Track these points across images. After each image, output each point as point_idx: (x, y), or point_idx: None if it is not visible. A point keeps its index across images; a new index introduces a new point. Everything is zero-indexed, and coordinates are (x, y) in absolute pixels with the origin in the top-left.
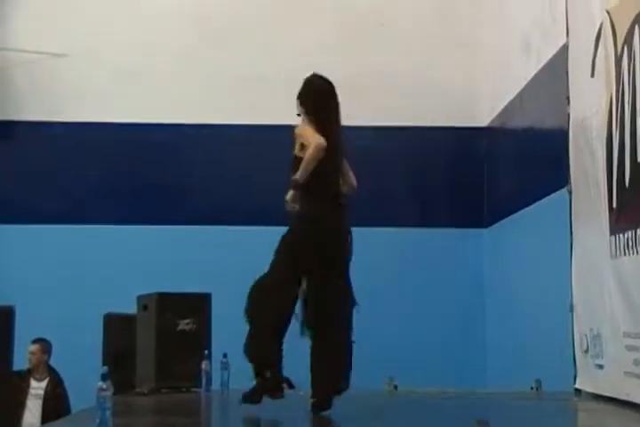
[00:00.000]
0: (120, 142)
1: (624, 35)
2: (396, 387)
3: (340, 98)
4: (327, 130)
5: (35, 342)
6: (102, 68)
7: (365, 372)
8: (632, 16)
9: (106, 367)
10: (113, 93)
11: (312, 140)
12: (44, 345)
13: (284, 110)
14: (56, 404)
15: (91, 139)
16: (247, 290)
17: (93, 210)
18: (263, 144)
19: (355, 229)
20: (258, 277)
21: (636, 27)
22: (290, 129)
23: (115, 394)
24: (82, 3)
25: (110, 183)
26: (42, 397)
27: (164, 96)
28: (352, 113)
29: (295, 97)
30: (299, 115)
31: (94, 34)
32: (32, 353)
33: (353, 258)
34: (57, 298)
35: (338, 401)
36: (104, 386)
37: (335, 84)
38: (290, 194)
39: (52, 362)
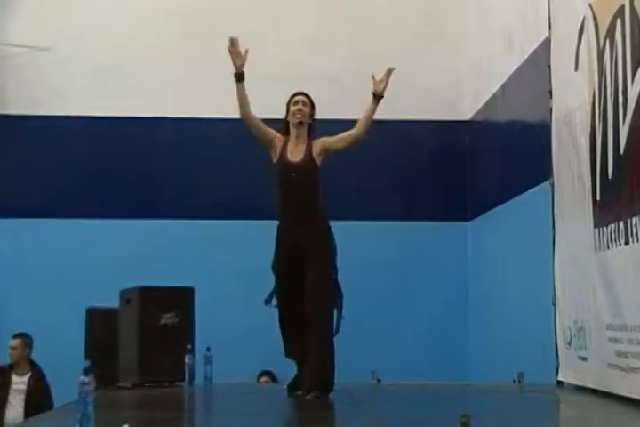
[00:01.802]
0: (103, 137)
1: (606, 28)
2: (379, 380)
3: (325, 91)
4: None
5: (16, 336)
6: (85, 63)
7: (349, 365)
8: (614, 10)
9: (88, 361)
10: (95, 88)
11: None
12: (26, 340)
13: (267, 105)
14: (38, 398)
15: (73, 133)
16: (230, 283)
17: (76, 204)
18: (247, 139)
19: (338, 223)
20: None
21: (618, 20)
22: (275, 122)
23: (97, 388)
24: None
25: (93, 177)
26: (24, 392)
27: (146, 91)
28: (336, 106)
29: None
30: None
31: (78, 28)
32: (13, 348)
33: (338, 252)
34: (39, 292)
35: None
36: (86, 380)
37: (319, 77)
38: None
39: (34, 357)
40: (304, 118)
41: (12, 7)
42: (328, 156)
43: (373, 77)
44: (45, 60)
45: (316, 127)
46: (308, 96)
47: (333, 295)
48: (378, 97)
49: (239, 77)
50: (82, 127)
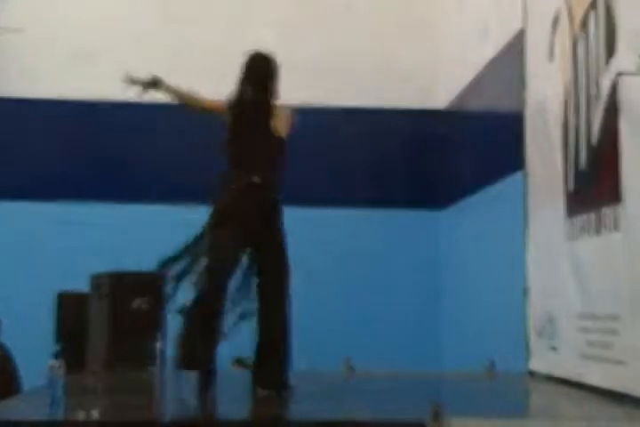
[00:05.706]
0: (76, 120)
1: (580, 19)
2: (352, 368)
3: (301, 78)
4: None
5: None
6: (59, 46)
7: (321, 353)
8: (588, 1)
9: (58, 346)
10: (69, 71)
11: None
12: None
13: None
14: (6, 382)
15: (45, 116)
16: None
17: (47, 187)
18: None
19: (311, 210)
20: None
21: (592, 12)
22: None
23: (67, 373)
24: None
25: (63, 160)
26: None
27: (120, 75)
28: (311, 93)
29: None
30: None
31: (52, 11)
32: None
33: (309, 239)
34: (9, 275)
35: (294, 381)
36: (56, 364)
37: (296, 64)
38: None
39: (3, 340)
40: None
41: None
42: None
43: None
44: (18, 42)
45: (294, 115)
46: None
47: None
48: None
49: (154, 84)
50: (54, 110)
